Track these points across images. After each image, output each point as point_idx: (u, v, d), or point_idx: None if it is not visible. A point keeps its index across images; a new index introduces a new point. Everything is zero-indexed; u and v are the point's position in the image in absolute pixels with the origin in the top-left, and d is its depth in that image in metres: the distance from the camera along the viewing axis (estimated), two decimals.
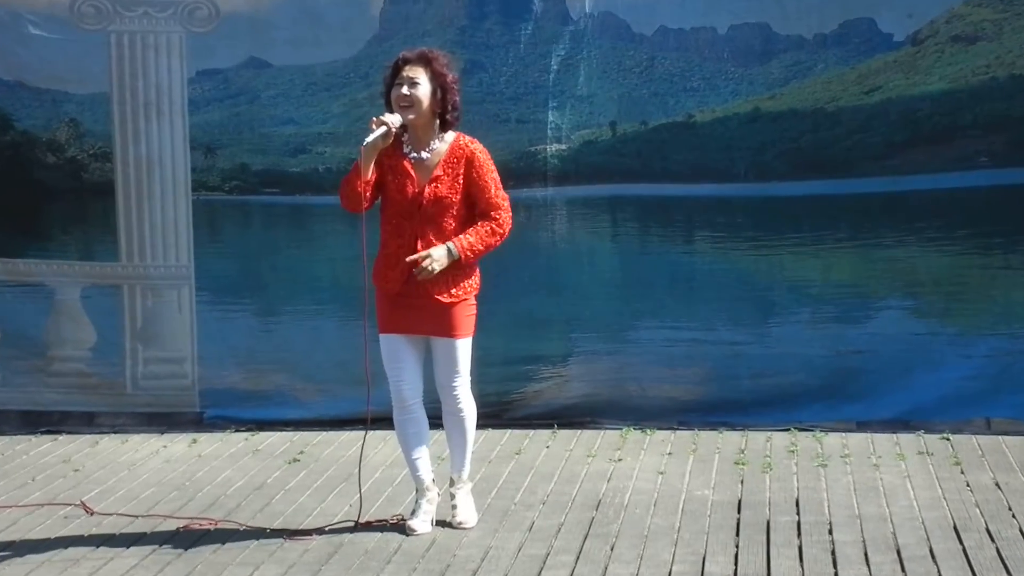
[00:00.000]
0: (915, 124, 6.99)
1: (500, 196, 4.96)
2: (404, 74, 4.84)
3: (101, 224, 7.47)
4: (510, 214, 5.00)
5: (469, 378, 5.15)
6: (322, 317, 7.32)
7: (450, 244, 4.83)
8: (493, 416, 6.95)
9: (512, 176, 6.97)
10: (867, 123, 7.04)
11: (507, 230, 4.97)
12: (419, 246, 4.92)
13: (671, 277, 7.22)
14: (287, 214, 7.59)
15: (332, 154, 7.37)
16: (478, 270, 5.10)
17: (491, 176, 4.94)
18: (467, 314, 5.05)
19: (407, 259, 4.84)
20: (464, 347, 5.07)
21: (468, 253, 4.85)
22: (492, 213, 4.92)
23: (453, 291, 4.96)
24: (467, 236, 4.86)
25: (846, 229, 7.15)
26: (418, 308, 4.95)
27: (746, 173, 7.12)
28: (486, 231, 4.90)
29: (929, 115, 6.96)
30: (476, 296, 5.11)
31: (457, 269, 4.95)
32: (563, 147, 7.24)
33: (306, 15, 7.33)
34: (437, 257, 4.83)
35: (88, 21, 7.22)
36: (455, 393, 5.09)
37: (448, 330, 4.98)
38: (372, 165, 4.83)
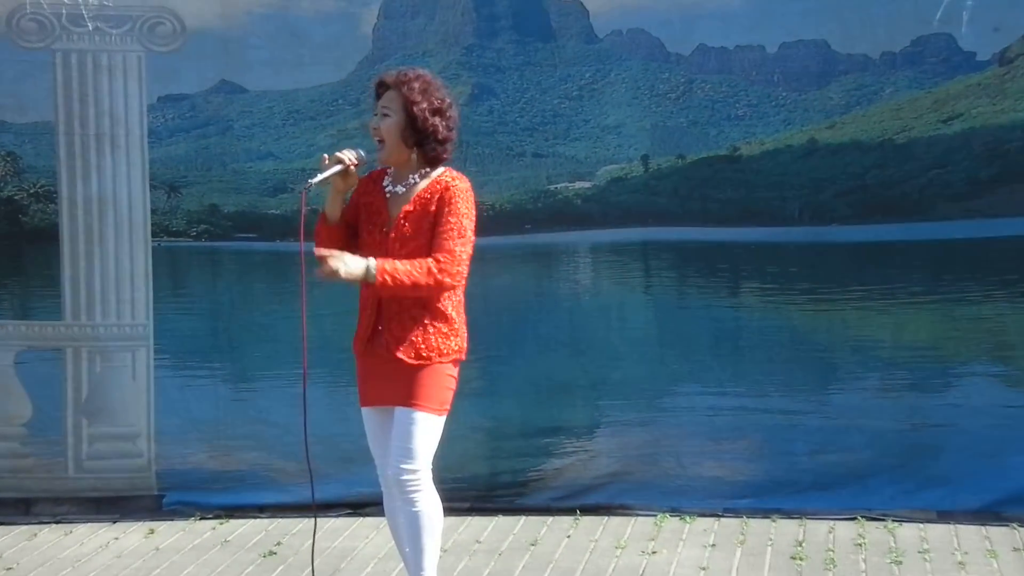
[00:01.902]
0: (1003, 158, 6.64)
1: (457, 244, 4.60)
2: (379, 102, 4.68)
3: (41, 276, 7.20)
4: (460, 270, 4.62)
5: (429, 467, 4.67)
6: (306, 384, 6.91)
7: (371, 260, 4.50)
8: (505, 499, 6.85)
9: (528, 218, 7.00)
10: (945, 157, 6.73)
11: (448, 282, 4.59)
12: (383, 299, 4.66)
13: (714, 335, 6.97)
14: (265, 263, 7.34)
15: (318, 194, 7.17)
16: (464, 332, 4.76)
17: (456, 217, 4.62)
18: (439, 384, 4.67)
19: (315, 251, 4.53)
20: (425, 423, 4.63)
21: (386, 277, 4.48)
22: (438, 254, 4.58)
23: (423, 352, 4.63)
24: (396, 261, 4.54)
25: (921, 281, 6.82)
26: (384, 372, 4.67)
27: (801, 215, 6.86)
28: (420, 267, 4.54)
29: (1021, 147, 6.62)
30: (458, 363, 4.75)
31: (429, 324, 4.65)
32: (587, 185, 7.08)
33: (287, 32, 7.07)
34: (347, 261, 4.46)
35: (29, 38, 6.93)
36: (403, 480, 4.60)
37: (407, 397, 4.62)
38: (337, 209, 4.70)
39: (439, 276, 4.55)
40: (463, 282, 4.67)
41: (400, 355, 4.61)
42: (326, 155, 4.63)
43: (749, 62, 6.93)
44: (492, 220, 6.59)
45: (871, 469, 6.69)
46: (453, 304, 4.67)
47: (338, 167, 4.58)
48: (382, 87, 4.66)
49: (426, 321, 4.64)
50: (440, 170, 4.71)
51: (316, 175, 4.60)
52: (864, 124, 6.80)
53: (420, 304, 4.62)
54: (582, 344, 7.03)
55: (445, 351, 4.68)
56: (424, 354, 4.64)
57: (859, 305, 6.82)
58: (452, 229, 4.61)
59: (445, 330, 4.68)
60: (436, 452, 4.74)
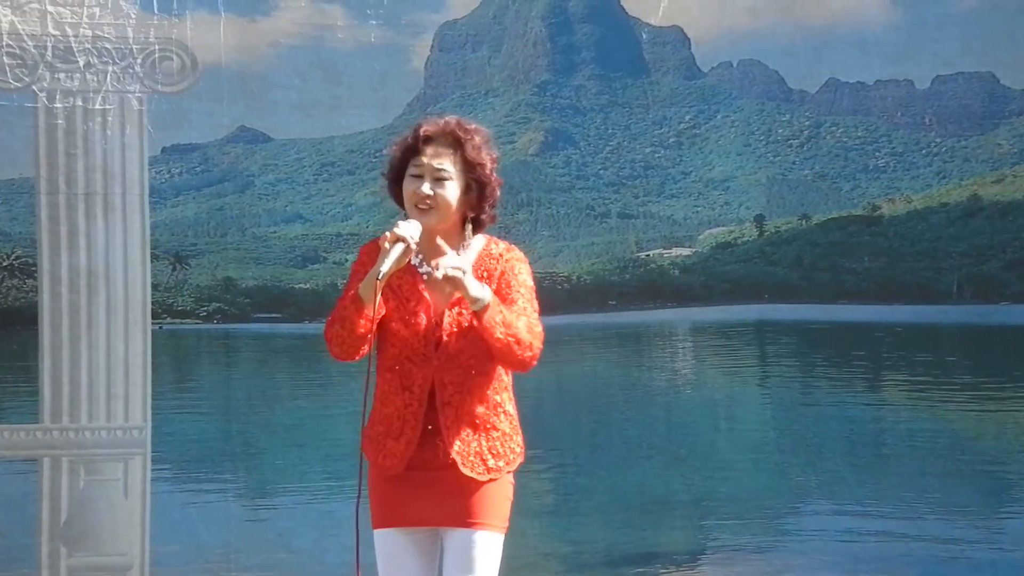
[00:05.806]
0: None
1: (532, 316, 4.34)
2: (426, 160, 4.24)
3: (14, 368, 7.12)
4: (540, 350, 4.33)
5: None
6: (339, 498, 6.68)
7: (489, 293, 4.12)
8: None
9: (614, 292, 7.27)
10: None
11: (537, 354, 4.29)
12: (438, 404, 4.21)
13: (849, 439, 6.58)
14: (289, 349, 7.96)
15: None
16: (521, 432, 4.51)
17: (527, 288, 4.34)
18: (503, 496, 4.36)
19: (432, 264, 4.12)
20: (488, 545, 4.28)
21: (496, 320, 4.12)
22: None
23: (490, 463, 4.31)
24: (506, 311, 4.20)
25: None
26: (430, 486, 4.28)
27: (960, 290, 7.21)
28: (525, 325, 4.21)
29: None
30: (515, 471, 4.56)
31: (492, 427, 4.32)
32: (687, 252, 7.51)
33: (320, 68, 6.94)
34: (466, 275, 4.07)
35: (5, 76, 6.68)
36: None
37: (467, 516, 4.28)
38: (379, 296, 4.29)
39: (532, 352, 4.21)
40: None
41: (469, 472, 4.25)
42: (387, 233, 4.22)
43: (893, 100, 7.30)
44: (569, 295, 6.28)
45: None
46: (509, 394, 4.36)
47: (400, 247, 4.16)
48: (425, 140, 4.23)
49: (489, 424, 4.32)
50: (481, 241, 4.38)
51: (383, 262, 4.13)
52: None
53: (482, 402, 4.27)
54: (682, 449, 6.79)
55: (512, 457, 4.38)
56: (493, 465, 4.33)
57: None
58: (528, 301, 4.32)
59: (507, 429, 4.38)
60: None
